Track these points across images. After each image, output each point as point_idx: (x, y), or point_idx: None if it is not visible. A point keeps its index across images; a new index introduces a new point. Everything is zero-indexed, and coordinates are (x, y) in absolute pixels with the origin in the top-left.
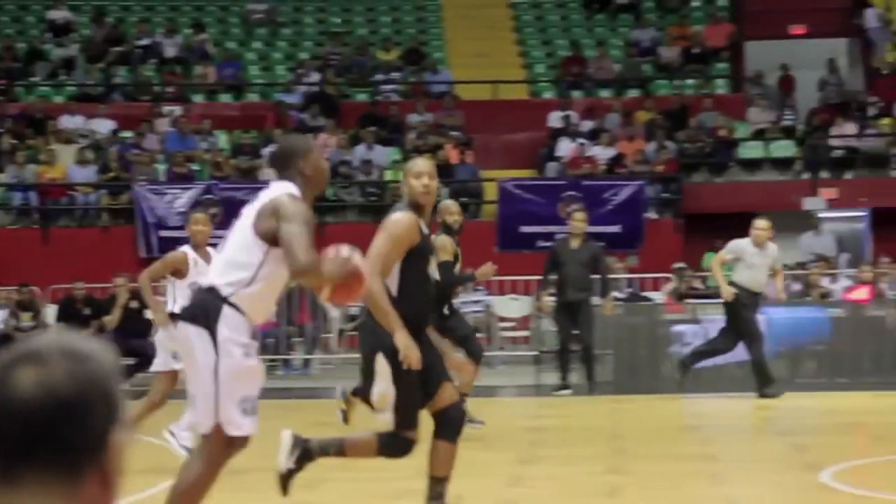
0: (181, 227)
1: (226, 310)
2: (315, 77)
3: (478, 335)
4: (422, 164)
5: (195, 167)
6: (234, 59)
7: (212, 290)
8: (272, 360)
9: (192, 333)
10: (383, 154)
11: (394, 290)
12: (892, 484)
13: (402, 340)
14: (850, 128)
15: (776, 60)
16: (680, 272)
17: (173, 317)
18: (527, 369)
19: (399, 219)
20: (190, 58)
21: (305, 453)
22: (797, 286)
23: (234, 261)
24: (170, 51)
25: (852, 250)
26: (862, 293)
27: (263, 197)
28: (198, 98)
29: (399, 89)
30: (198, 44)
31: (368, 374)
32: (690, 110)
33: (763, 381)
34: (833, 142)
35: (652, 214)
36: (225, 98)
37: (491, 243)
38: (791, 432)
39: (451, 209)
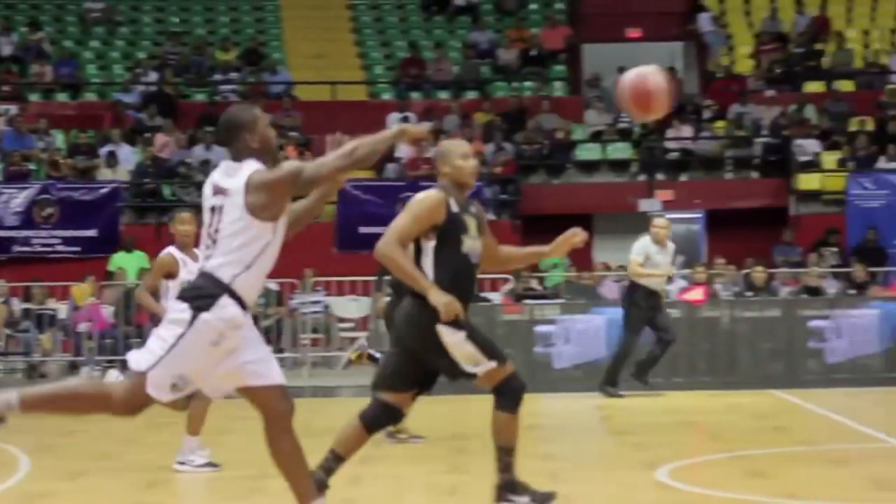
0: (18, 227)
1: (223, 300)
2: (153, 76)
3: (317, 336)
4: (466, 145)
5: (32, 166)
6: (70, 58)
7: (211, 277)
8: (110, 361)
9: (179, 306)
10: (222, 154)
11: (430, 272)
12: (726, 481)
13: (438, 297)
14: (686, 130)
15: (613, 63)
16: (517, 273)
17: None
18: (366, 370)
19: (423, 198)
20: (26, 56)
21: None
22: None
23: (231, 246)
24: (5, 49)
25: (687, 252)
26: (697, 294)
27: (236, 178)
28: (34, 97)
29: (238, 89)
30: (34, 42)
31: (428, 352)
32: (528, 112)
33: (610, 379)
34: (669, 144)
35: (490, 216)
36: (62, 97)
37: (329, 244)
38: (628, 431)
39: None
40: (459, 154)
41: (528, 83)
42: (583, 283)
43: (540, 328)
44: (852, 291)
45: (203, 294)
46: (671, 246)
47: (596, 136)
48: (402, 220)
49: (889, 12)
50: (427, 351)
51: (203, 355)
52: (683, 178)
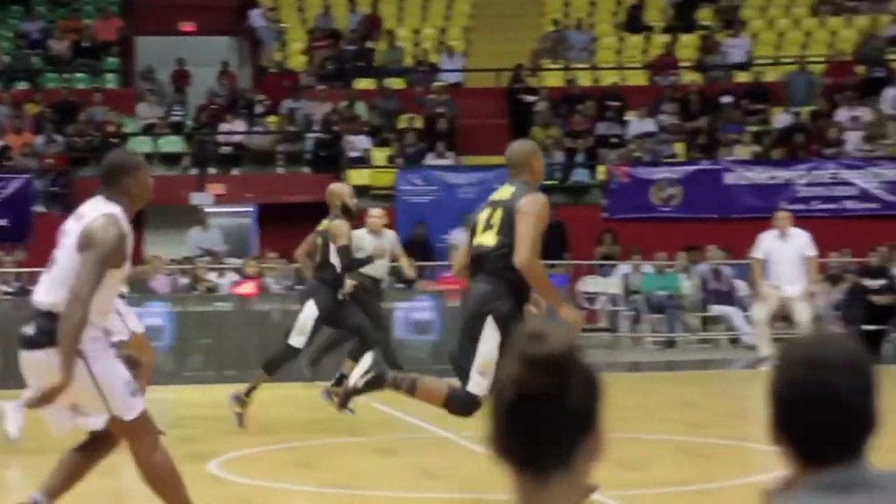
0: None
1: None
2: None
3: None
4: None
5: None
6: None
7: (49, 314)
8: None
9: (44, 356)
10: None
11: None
12: (277, 472)
13: (569, 314)
14: (239, 125)
15: (169, 56)
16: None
17: None
18: None
19: (538, 198)
20: None
21: (377, 379)
22: (185, 280)
23: (66, 281)
24: None
25: (239, 245)
26: (248, 287)
27: (85, 217)
28: None
29: None
30: None
31: (472, 338)
32: (80, 104)
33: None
34: (221, 138)
35: (40, 208)
36: None
37: None
38: (177, 424)
39: (346, 191)
40: (540, 154)
41: (80, 74)
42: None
43: None
44: (401, 285)
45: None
46: (389, 233)
47: (148, 129)
48: (532, 229)
49: (439, 12)
50: (469, 333)
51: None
52: (235, 172)
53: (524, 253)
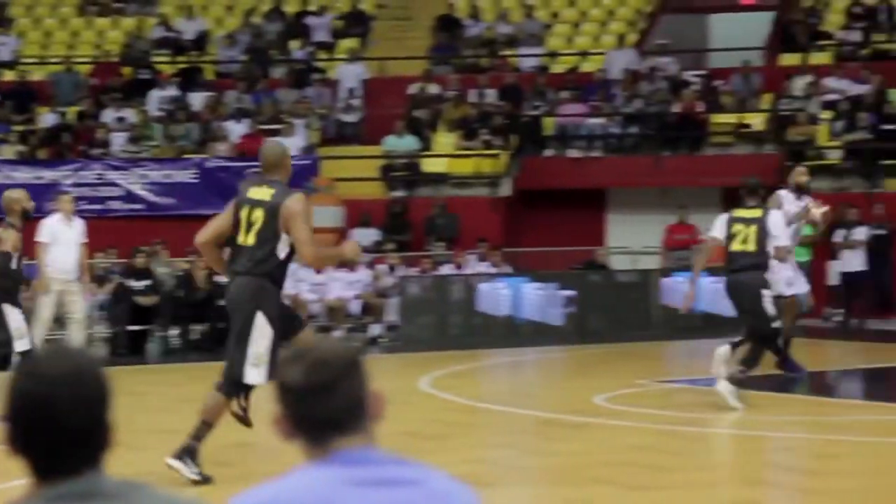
0: None
1: None
2: None
3: None
4: None
5: None
6: None
7: None
8: None
9: None
10: None
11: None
12: None
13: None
14: None
15: None
16: None
17: None
18: None
19: (301, 196)
20: None
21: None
22: None
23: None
24: None
25: None
26: None
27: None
28: None
29: None
30: None
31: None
32: None
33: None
34: None
35: None
36: None
37: None
38: None
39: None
40: None
41: None
42: None
43: None
44: None
45: None
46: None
47: None
48: (306, 229)
49: None
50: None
51: None
52: None
53: (310, 251)
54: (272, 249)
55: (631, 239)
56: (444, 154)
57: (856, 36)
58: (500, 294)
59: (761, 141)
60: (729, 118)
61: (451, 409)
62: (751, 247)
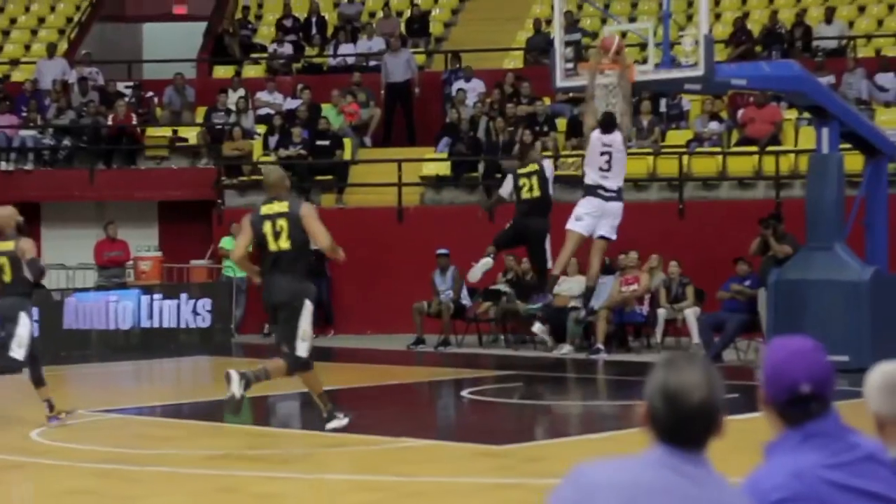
0: None
1: None
2: None
3: None
4: None
5: None
6: None
7: None
8: None
9: None
10: None
11: None
12: None
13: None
14: None
15: None
16: None
17: None
18: None
19: (309, 203)
20: None
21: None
22: None
23: None
24: None
25: None
26: None
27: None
28: None
29: None
30: None
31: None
32: None
33: None
34: None
35: None
36: None
37: None
38: None
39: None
40: None
41: None
42: None
43: None
44: None
45: None
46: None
47: None
48: (320, 224)
49: None
50: (287, 314)
51: None
52: None
53: (327, 240)
54: (304, 248)
55: (66, 255)
56: None
57: (288, 49)
58: None
59: (197, 155)
60: (164, 131)
61: None
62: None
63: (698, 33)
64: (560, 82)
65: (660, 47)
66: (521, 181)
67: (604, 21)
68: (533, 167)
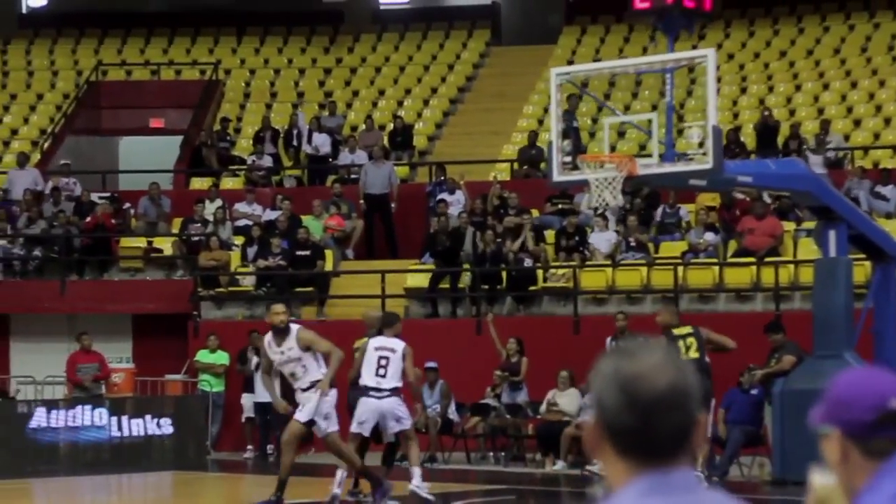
0: None
1: None
2: None
3: None
4: None
5: None
6: None
7: None
8: None
9: None
10: None
11: None
12: None
13: None
14: None
15: None
16: None
17: None
18: None
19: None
20: None
21: None
22: None
23: None
24: None
25: None
26: None
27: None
28: None
29: None
30: None
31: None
32: None
33: None
34: None
35: None
36: None
37: None
38: None
39: None
40: None
41: None
42: None
43: None
44: None
45: None
46: None
47: None
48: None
49: None
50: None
51: None
52: None
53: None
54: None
55: (36, 368)
56: None
57: (267, 161)
58: None
59: (173, 266)
60: (139, 241)
61: None
62: None
63: (706, 125)
64: (557, 177)
65: (662, 143)
66: (679, 343)
67: (600, 110)
68: (687, 328)
